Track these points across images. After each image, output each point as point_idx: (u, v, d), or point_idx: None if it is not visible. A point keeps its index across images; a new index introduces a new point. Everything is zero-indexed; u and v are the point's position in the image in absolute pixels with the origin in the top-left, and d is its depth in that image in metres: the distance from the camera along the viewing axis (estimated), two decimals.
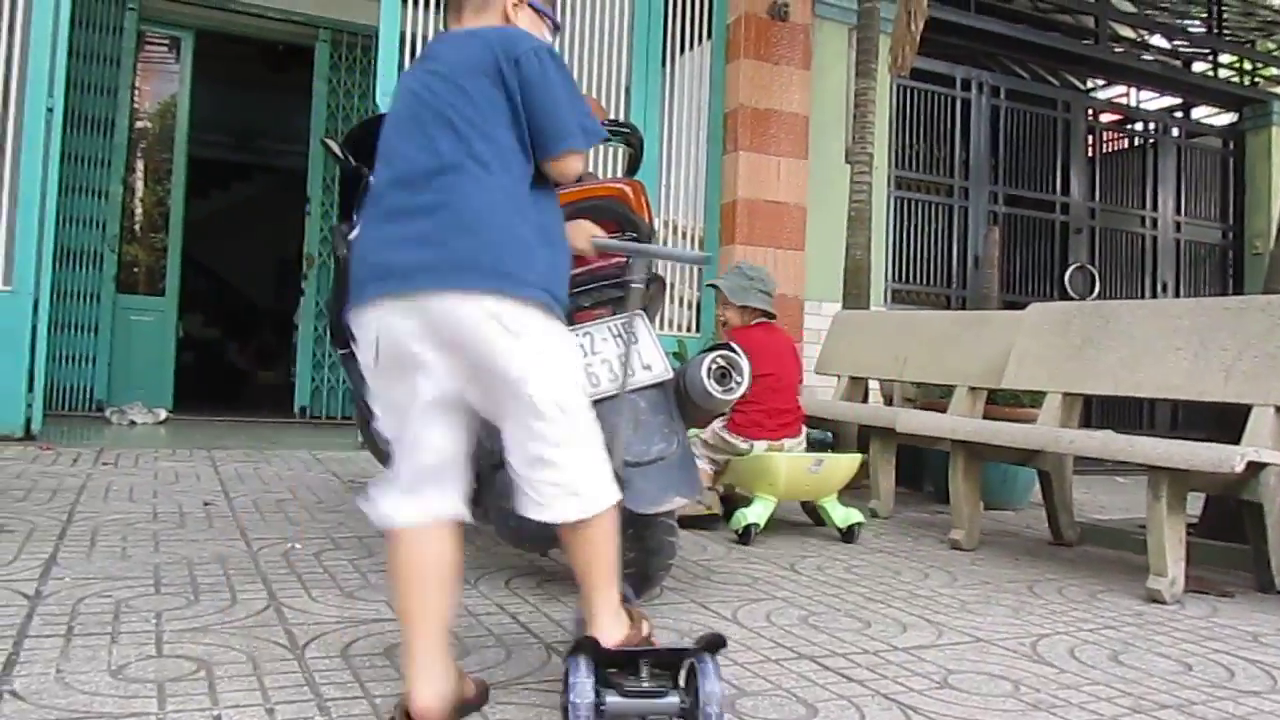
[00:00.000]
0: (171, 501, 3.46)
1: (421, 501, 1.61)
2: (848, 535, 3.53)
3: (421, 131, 1.64)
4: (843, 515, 3.55)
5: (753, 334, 3.63)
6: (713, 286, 3.85)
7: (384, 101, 5.36)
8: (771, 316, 3.76)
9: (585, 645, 1.54)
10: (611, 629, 1.61)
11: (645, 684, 1.55)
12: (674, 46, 6.44)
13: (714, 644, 1.55)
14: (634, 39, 6.27)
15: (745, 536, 3.32)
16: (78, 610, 2.10)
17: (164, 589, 2.31)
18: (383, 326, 1.57)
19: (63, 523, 2.99)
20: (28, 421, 4.92)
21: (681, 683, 1.57)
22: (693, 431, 3.38)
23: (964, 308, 7.04)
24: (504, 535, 2.53)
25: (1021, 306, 4.29)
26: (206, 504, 3.45)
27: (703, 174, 6.44)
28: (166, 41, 7.69)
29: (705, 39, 6.50)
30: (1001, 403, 4.39)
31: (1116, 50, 8.17)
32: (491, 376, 1.57)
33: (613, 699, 1.52)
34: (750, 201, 6.22)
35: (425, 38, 5.61)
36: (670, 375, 2.35)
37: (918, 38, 5.63)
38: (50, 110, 4.98)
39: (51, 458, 4.35)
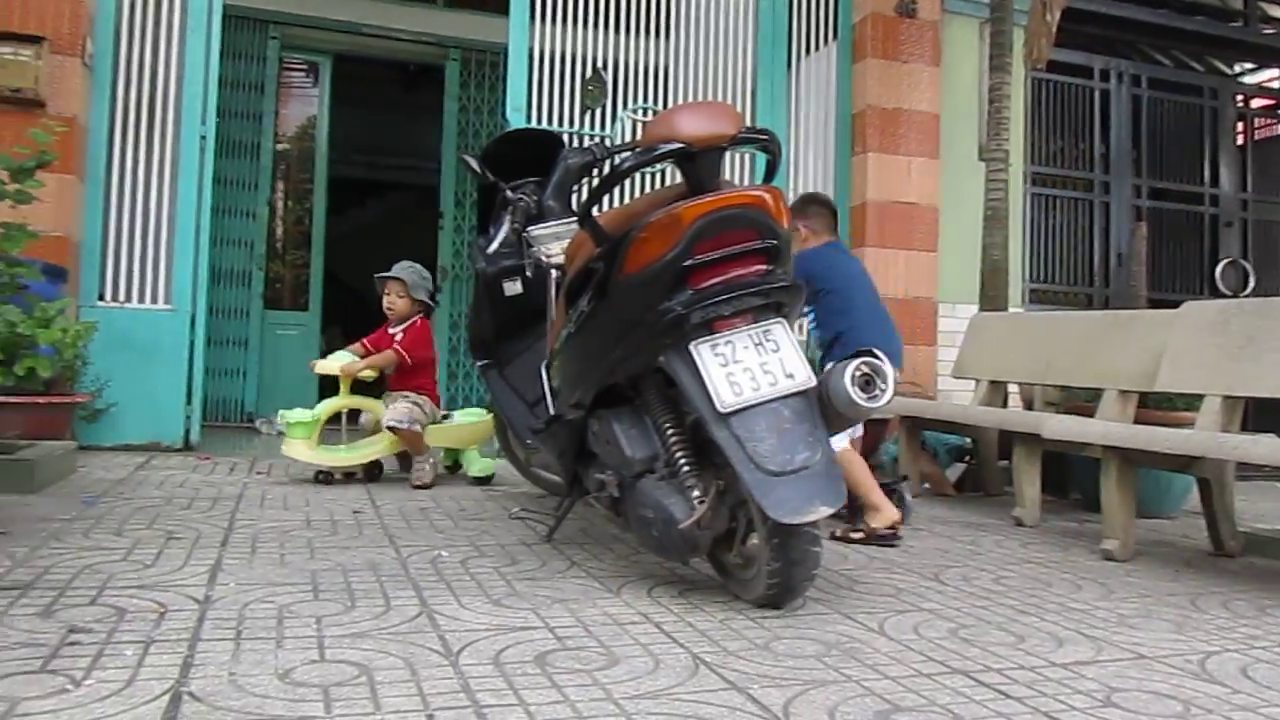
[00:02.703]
0: (323, 509, 3.59)
1: None
2: (483, 480, 4.44)
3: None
4: (481, 465, 4.47)
5: (426, 323, 4.57)
6: (391, 278, 4.53)
7: (514, 117, 5.48)
8: (431, 310, 4.65)
9: None
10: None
11: None
12: (799, 49, 6.38)
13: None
14: (758, 43, 6.24)
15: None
16: (244, 615, 2.19)
17: (322, 595, 2.40)
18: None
19: (224, 530, 3.13)
20: (187, 433, 5.19)
21: None
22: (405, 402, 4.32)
23: (1107, 307, 6.77)
24: (646, 544, 2.55)
25: (1169, 304, 4.10)
26: (356, 512, 3.57)
27: (831, 177, 6.37)
28: (305, 67, 8.03)
29: (830, 40, 6.43)
30: (1153, 406, 4.20)
31: (1267, 32, 7.74)
32: None
33: None
34: (880, 203, 6.11)
35: (553, 53, 5.70)
36: (813, 383, 2.32)
37: (1054, 28, 5.46)
38: (204, 137, 5.27)
39: (209, 468, 4.57)
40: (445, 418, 4.57)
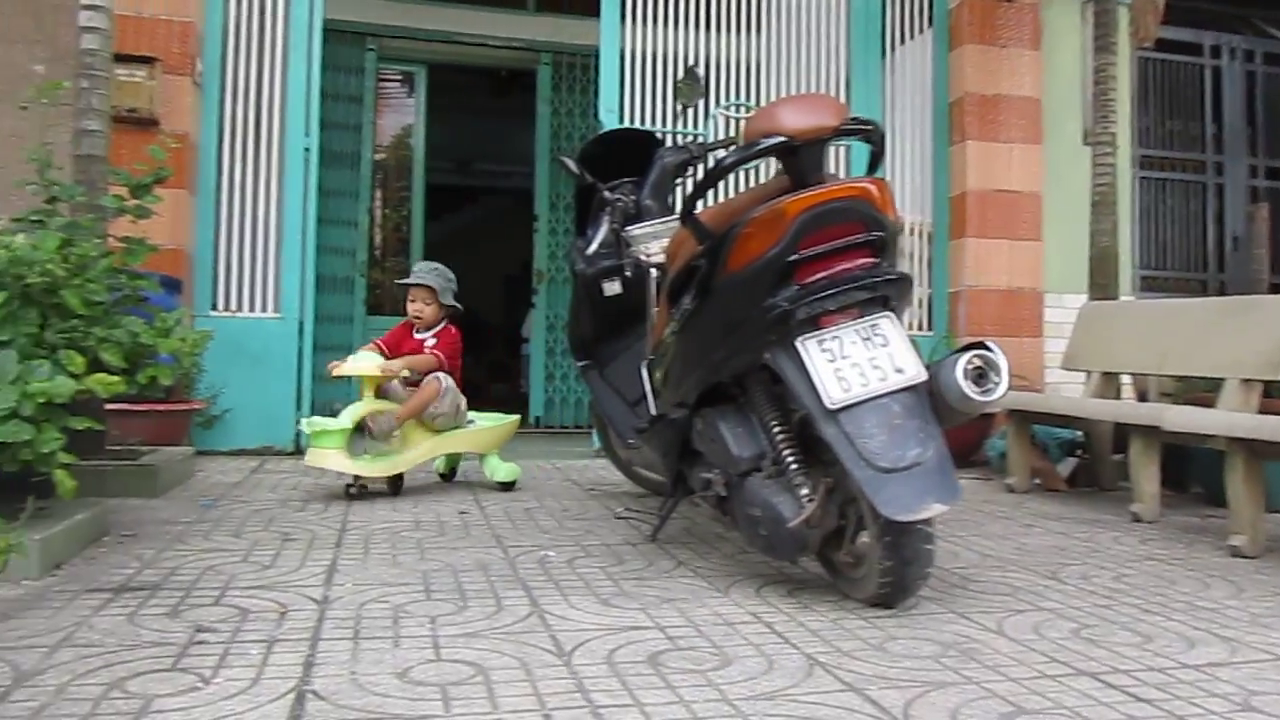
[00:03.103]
0: (430, 511, 3.65)
1: None
2: (509, 486, 4.23)
3: None
4: (506, 470, 4.23)
5: (458, 330, 4.30)
6: (417, 285, 4.21)
7: (607, 118, 5.51)
8: (460, 314, 4.36)
9: None
10: None
11: None
12: (893, 38, 6.28)
13: None
14: (851, 33, 6.16)
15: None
16: (361, 615, 2.24)
17: (434, 595, 2.43)
18: None
19: (338, 531, 3.21)
20: (297, 437, 5.34)
21: None
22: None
23: (1222, 293, 6.50)
24: (754, 543, 2.53)
25: None
26: (462, 513, 3.63)
27: (929, 166, 6.25)
28: (400, 77, 8.19)
29: (926, 27, 6.30)
30: (1279, 395, 4.01)
31: None
32: None
33: None
34: (981, 192, 5.97)
35: (644, 54, 5.72)
36: (924, 377, 2.27)
37: (1161, 5, 5.27)
38: (307, 149, 5.41)
39: (320, 471, 4.68)
40: (469, 423, 4.29)
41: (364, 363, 4.00)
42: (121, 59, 4.57)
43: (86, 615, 2.18)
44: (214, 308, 5.33)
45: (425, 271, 4.26)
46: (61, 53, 5.00)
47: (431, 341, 4.18)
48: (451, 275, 4.32)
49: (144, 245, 3.26)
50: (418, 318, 4.22)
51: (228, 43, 5.41)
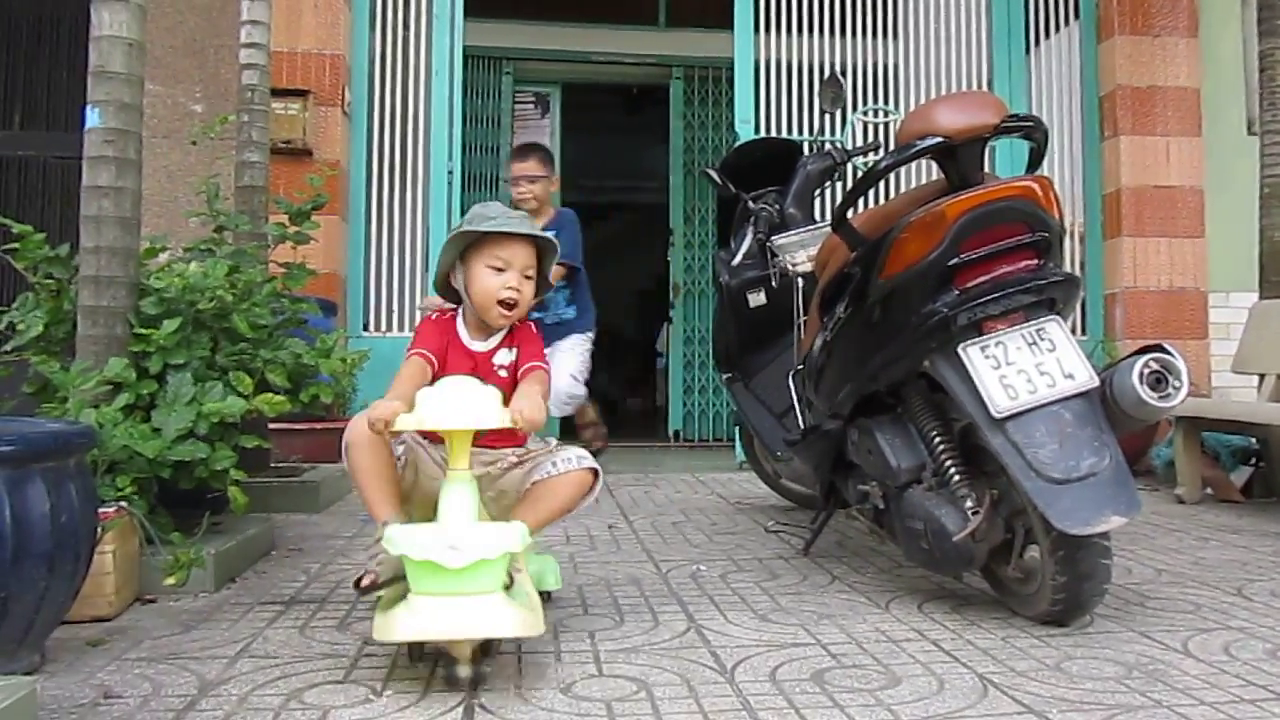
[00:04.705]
0: (579, 525, 3.67)
1: None
2: None
3: None
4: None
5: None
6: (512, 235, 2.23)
7: (743, 129, 5.48)
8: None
9: None
10: None
11: None
12: (1037, 32, 6.07)
13: None
14: (993, 30, 5.98)
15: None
16: None
17: (591, 610, 2.43)
18: None
19: None
20: None
21: None
22: None
23: None
24: (915, 557, 2.45)
25: None
26: (610, 527, 3.64)
27: (1079, 164, 6.01)
28: (533, 98, 8.32)
29: (1072, 20, 6.07)
30: None
31: None
32: None
33: None
34: (1136, 189, 5.70)
35: (778, 63, 5.68)
36: (1096, 383, 2.16)
37: None
38: (451, 172, 5.56)
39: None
40: None
41: (488, 408, 1.96)
42: (277, 93, 4.77)
43: (261, 627, 2.26)
44: (365, 329, 5.51)
45: (521, 220, 2.28)
46: (220, 91, 5.27)
47: (506, 355, 2.31)
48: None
49: (304, 270, 3.39)
50: (508, 310, 2.24)
51: (374, 73, 5.61)
